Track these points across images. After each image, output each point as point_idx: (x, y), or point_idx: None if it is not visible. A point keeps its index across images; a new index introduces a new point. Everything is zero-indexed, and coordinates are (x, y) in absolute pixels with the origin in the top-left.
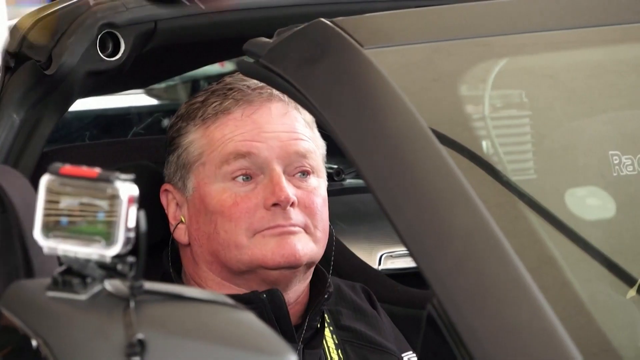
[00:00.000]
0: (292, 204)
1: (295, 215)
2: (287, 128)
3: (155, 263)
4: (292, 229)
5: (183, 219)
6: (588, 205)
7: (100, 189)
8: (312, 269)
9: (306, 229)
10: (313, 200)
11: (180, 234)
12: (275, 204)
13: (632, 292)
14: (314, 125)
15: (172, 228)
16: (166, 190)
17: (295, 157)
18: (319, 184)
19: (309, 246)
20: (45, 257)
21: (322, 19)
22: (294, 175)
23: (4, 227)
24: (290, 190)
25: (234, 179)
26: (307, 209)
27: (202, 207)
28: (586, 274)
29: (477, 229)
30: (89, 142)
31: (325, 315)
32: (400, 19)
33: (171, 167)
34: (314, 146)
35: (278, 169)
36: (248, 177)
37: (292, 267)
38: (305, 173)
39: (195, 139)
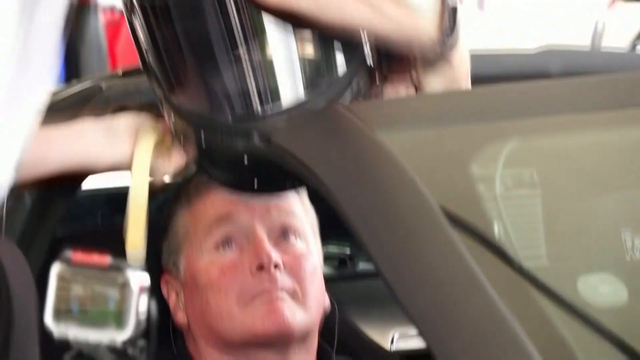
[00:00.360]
0: (277, 266)
1: (282, 278)
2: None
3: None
4: (279, 293)
5: (181, 305)
6: (600, 291)
7: (112, 278)
8: (313, 348)
9: (293, 295)
10: (301, 265)
11: (180, 318)
12: (260, 267)
13: None
14: (303, 194)
15: (173, 315)
16: (165, 280)
17: (279, 219)
18: (307, 249)
19: (298, 314)
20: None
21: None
22: (278, 239)
23: None
24: (274, 253)
25: (218, 249)
26: (294, 274)
27: (193, 285)
28: (598, 358)
29: (489, 314)
30: (102, 225)
31: None
32: (411, 104)
33: (165, 255)
34: (301, 211)
35: (260, 231)
36: (232, 245)
37: (284, 335)
38: (290, 236)
39: (181, 219)
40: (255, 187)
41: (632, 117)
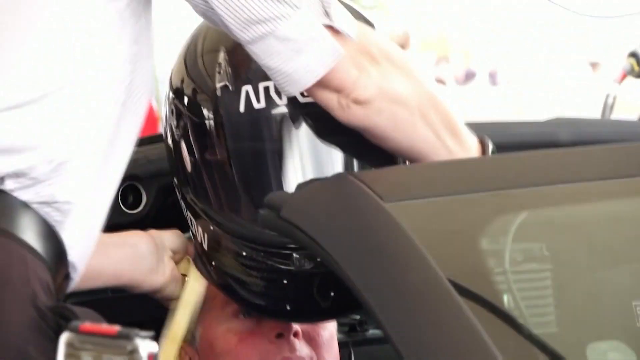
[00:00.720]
0: (296, 334)
1: (300, 347)
2: None
3: None
4: None
5: None
6: (610, 359)
7: (120, 346)
8: None
9: None
10: (318, 333)
11: None
12: (279, 335)
13: None
14: None
15: None
16: (183, 350)
17: None
18: None
19: None
20: None
21: (344, 173)
22: None
23: None
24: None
25: (236, 316)
26: (312, 341)
27: (210, 352)
28: None
29: None
30: (111, 295)
31: None
32: (421, 173)
33: None
34: None
35: None
36: (251, 313)
37: None
38: None
39: (198, 290)
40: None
41: None
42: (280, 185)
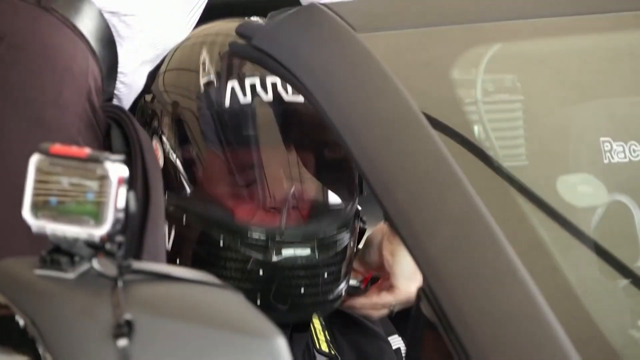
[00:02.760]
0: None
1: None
2: None
3: None
4: None
5: None
6: (579, 192)
7: (90, 170)
8: None
9: None
10: None
11: None
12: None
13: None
14: None
15: None
16: None
17: None
18: None
19: None
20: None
21: (316, 3)
22: None
23: None
24: None
25: None
26: None
27: None
28: (576, 260)
29: (468, 214)
30: None
31: None
32: (394, 4)
33: None
34: None
35: None
36: None
37: None
38: None
39: None
40: None
41: (616, 22)
42: (262, 177)
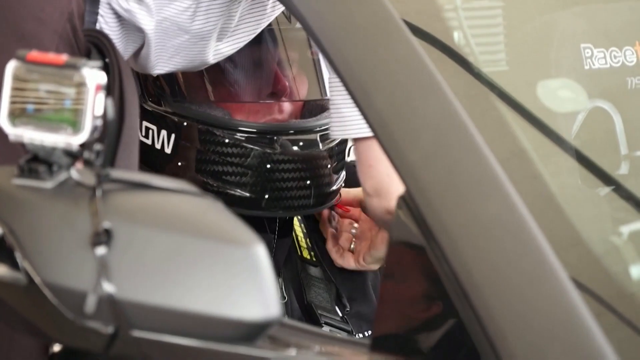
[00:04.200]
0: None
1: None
2: None
3: None
4: None
5: None
6: (559, 97)
7: (67, 77)
8: None
9: None
10: None
11: None
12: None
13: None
14: None
15: None
16: None
17: None
18: None
19: None
20: None
21: None
22: None
23: None
24: None
25: None
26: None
27: None
28: (557, 167)
29: (448, 120)
30: None
31: None
32: None
33: None
34: None
35: None
36: None
37: None
38: None
39: None
40: None
41: None
42: (268, 78)
